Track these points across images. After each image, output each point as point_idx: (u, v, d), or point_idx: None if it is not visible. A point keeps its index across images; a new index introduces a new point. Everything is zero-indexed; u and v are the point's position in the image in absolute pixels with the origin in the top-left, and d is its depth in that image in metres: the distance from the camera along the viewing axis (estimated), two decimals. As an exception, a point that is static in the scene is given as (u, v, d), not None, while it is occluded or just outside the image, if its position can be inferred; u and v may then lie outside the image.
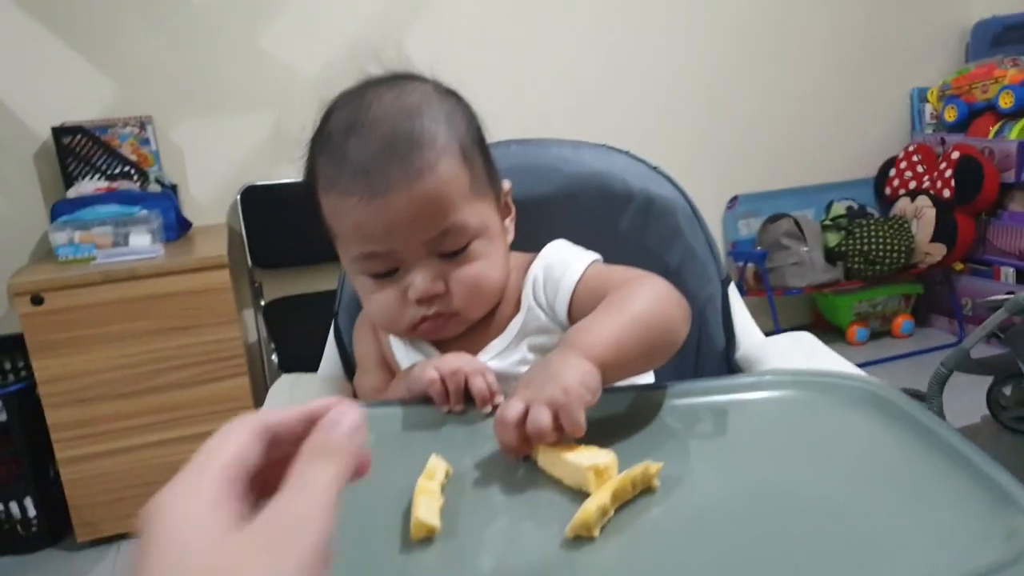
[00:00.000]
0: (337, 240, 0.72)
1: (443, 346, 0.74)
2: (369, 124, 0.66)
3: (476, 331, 0.74)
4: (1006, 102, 2.46)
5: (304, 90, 2.21)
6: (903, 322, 2.73)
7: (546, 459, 0.55)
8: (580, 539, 0.48)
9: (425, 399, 0.66)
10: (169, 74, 2.10)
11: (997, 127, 2.52)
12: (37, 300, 1.62)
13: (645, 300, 0.65)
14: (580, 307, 0.70)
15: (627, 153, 0.92)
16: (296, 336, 1.97)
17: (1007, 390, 2.04)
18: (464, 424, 0.64)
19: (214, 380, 1.76)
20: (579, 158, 0.90)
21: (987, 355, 1.98)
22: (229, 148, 2.19)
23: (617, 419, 0.63)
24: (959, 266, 2.64)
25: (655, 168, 0.91)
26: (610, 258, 0.76)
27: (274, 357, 1.94)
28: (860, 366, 2.34)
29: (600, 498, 0.49)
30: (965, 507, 0.48)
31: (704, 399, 0.65)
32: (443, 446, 0.59)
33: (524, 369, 0.71)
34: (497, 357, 0.73)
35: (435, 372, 0.64)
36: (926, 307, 2.83)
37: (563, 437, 0.54)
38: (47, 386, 1.67)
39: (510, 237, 0.77)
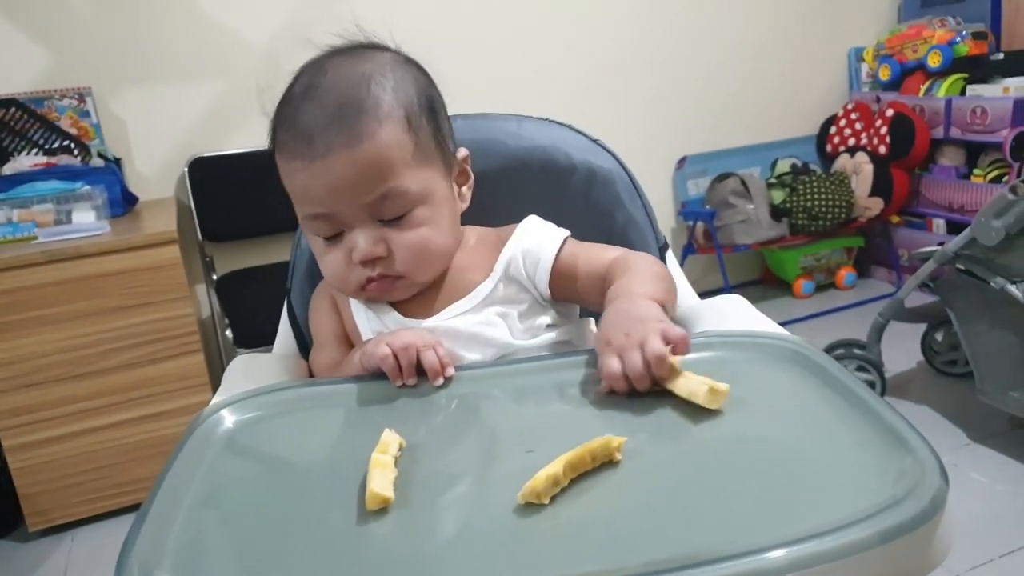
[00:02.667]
0: (292, 201, 0.75)
1: (403, 306, 0.77)
2: (323, 90, 0.70)
3: (439, 292, 0.77)
4: (934, 61, 2.55)
5: (251, 58, 2.17)
6: (846, 274, 2.83)
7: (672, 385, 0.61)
8: (532, 506, 0.50)
9: (379, 374, 0.68)
10: (108, 42, 2.03)
11: (927, 85, 2.60)
12: (-24, 283, 1.58)
13: (647, 261, 0.76)
14: (560, 278, 0.77)
15: (568, 126, 0.94)
16: (250, 309, 1.97)
17: (939, 336, 2.15)
18: (417, 397, 0.66)
19: (167, 358, 1.74)
20: (522, 132, 0.92)
21: (920, 304, 2.08)
22: (175, 119, 2.14)
23: (569, 388, 0.66)
24: (896, 219, 2.74)
25: (595, 141, 0.94)
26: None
27: (228, 332, 1.94)
28: (807, 318, 2.42)
29: (552, 468, 0.52)
30: (868, 450, 0.53)
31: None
32: (397, 420, 0.62)
33: (483, 329, 0.74)
34: (458, 316, 0.75)
35: (387, 348, 0.66)
36: (867, 259, 2.93)
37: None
38: (-8, 372, 1.63)
39: (465, 204, 0.80)
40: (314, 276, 0.87)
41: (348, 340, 0.81)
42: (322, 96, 0.69)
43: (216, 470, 0.57)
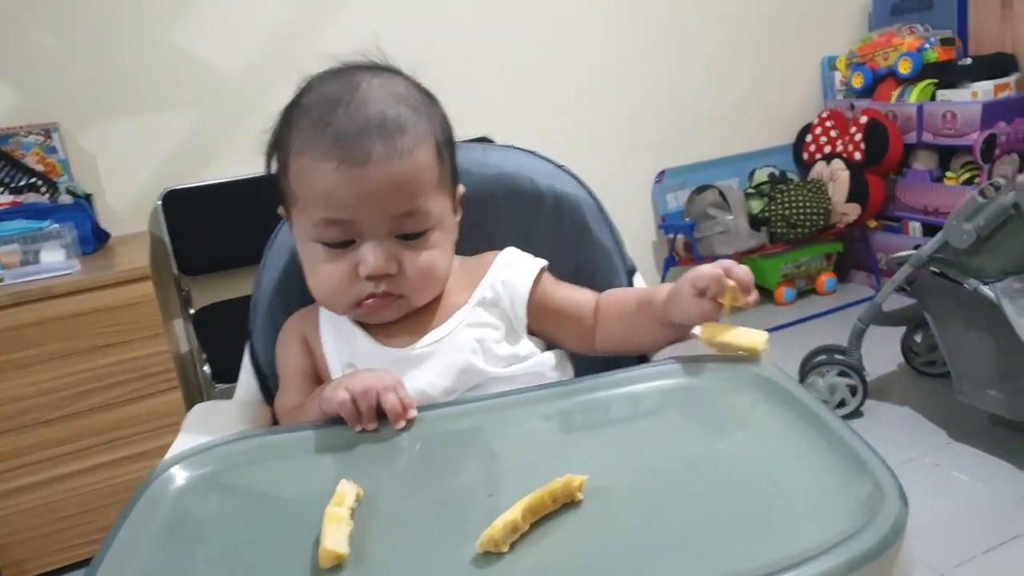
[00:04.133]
0: (296, 205, 0.73)
1: (379, 333, 0.76)
2: (358, 101, 0.70)
3: (419, 317, 0.77)
4: (905, 68, 2.57)
5: (224, 87, 2.15)
6: (826, 280, 2.84)
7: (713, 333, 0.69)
8: (491, 555, 0.49)
9: (339, 419, 0.67)
10: (75, 76, 2.01)
11: (899, 91, 2.63)
12: (-60, 329, 1.55)
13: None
14: (536, 308, 0.79)
15: (534, 152, 0.94)
16: (228, 343, 1.93)
17: (918, 338, 2.16)
18: (378, 442, 0.65)
19: (145, 397, 1.71)
20: (487, 159, 0.91)
21: (899, 307, 2.09)
22: (146, 151, 2.11)
23: (532, 422, 0.65)
24: (873, 224, 2.76)
25: (561, 166, 0.93)
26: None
27: (207, 368, 1.91)
28: (789, 325, 2.42)
29: (510, 514, 0.50)
30: (832, 475, 0.53)
31: (613, 392, 0.68)
32: (357, 467, 0.60)
33: (458, 357, 0.74)
34: (434, 344, 0.75)
35: (345, 393, 0.65)
36: (847, 264, 2.94)
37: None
38: (-38, 420, 1.59)
39: (455, 236, 0.80)
40: (276, 318, 0.85)
41: (317, 379, 0.79)
42: (362, 106, 0.69)
43: (167, 529, 0.55)
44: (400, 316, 0.75)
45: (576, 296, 0.81)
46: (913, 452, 1.81)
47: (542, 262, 0.81)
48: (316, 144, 0.69)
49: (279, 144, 0.74)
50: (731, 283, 0.68)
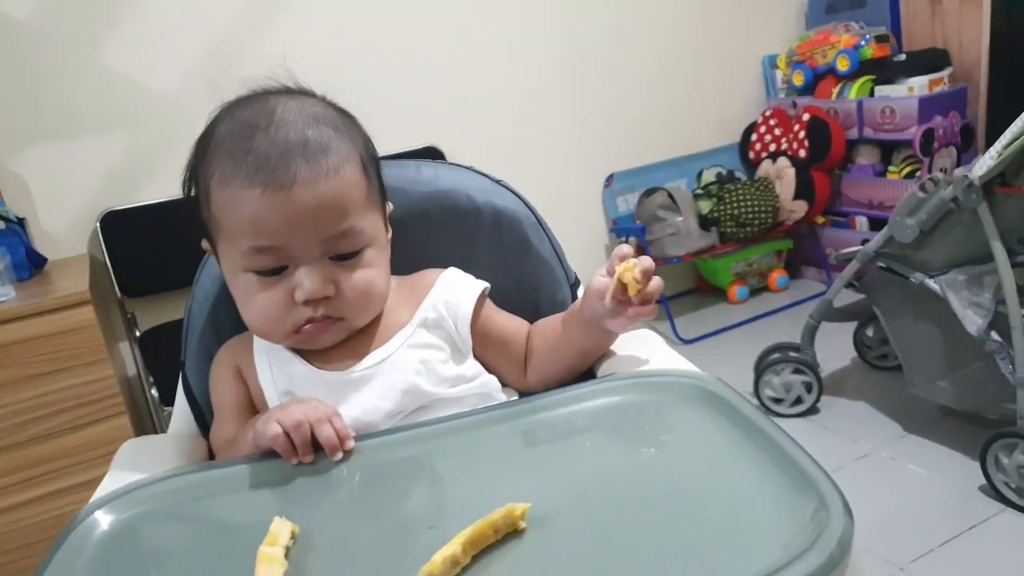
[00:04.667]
0: (222, 237, 0.71)
1: (317, 357, 0.74)
2: (276, 124, 0.68)
3: (358, 339, 0.75)
4: (843, 65, 2.62)
5: (157, 107, 2.10)
6: (778, 277, 2.88)
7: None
8: (431, 591, 0.48)
9: (275, 452, 0.65)
10: (2, 99, 1.95)
11: (838, 88, 2.68)
12: None
13: None
14: (479, 327, 0.78)
15: (470, 168, 0.92)
16: (176, 365, 1.89)
17: (870, 332, 2.20)
18: (315, 475, 0.63)
19: (90, 424, 1.66)
20: (421, 177, 0.89)
21: (850, 302, 2.12)
22: (81, 173, 2.05)
23: (474, 447, 0.64)
24: (821, 220, 2.80)
25: (499, 181, 0.92)
26: (471, 273, 0.83)
27: (154, 391, 1.86)
28: (743, 324, 2.43)
29: (449, 548, 0.49)
30: (778, 492, 0.53)
31: (556, 412, 0.67)
32: (293, 502, 0.58)
33: (401, 377, 0.72)
34: (376, 366, 0.73)
35: (278, 427, 0.63)
36: (797, 260, 2.99)
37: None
38: (-103, 455, 1.53)
39: (388, 253, 0.78)
40: (209, 346, 0.83)
41: (252, 410, 0.77)
42: (280, 130, 0.67)
43: (92, 579, 0.53)
44: (340, 339, 0.74)
45: (513, 325, 0.81)
46: (869, 446, 1.83)
47: (483, 284, 0.81)
48: (237, 172, 0.67)
49: (196, 176, 0.72)
50: (628, 258, 0.69)
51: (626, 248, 0.70)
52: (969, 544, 1.48)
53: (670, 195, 2.63)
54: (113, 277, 2.06)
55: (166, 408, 1.82)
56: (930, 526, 1.54)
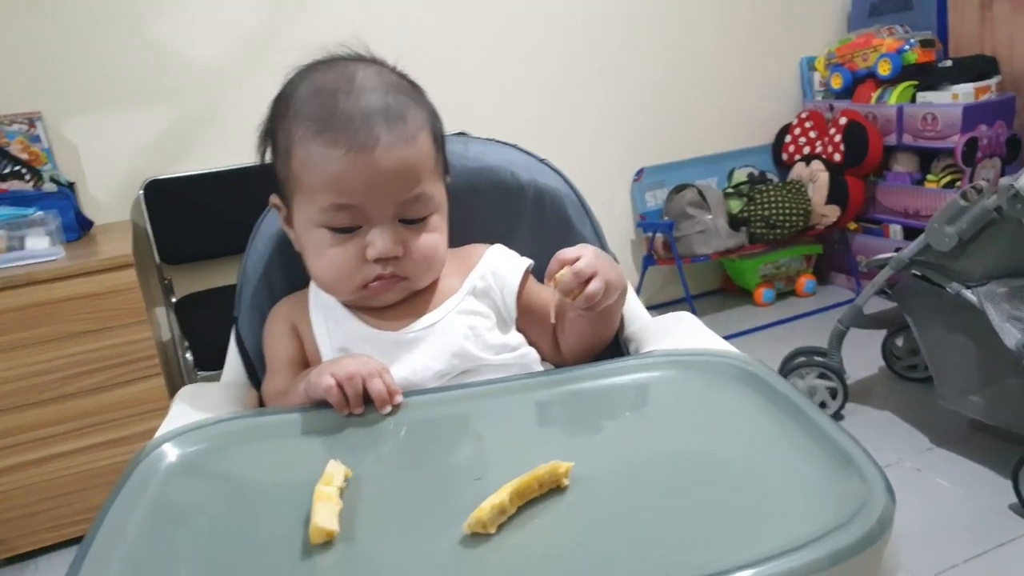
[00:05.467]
0: (300, 192, 0.74)
1: (373, 316, 0.77)
2: (357, 90, 0.71)
3: (411, 302, 0.78)
4: (884, 69, 2.59)
5: (204, 79, 2.14)
6: (806, 282, 2.86)
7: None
8: (478, 536, 0.50)
9: (326, 403, 0.68)
10: (57, 67, 2.00)
11: (878, 93, 2.64)
12: (-74, 313, 1.54)
13: None
14: (523, 301, 0.81)
15: (514, 146, 0.95)
16: (210, 331, 1.94)
17: (899, 341, 2.16)
18: (365, 426, 0.66)
19: (127, 383, 1.71)
20: (468, 152, 0.92)
21: (880, 310, 2.10)
22: (128, 142, 2.11)
23: (518, 410, 0.66)
24: (853, 226, 2.78)
25: (542, 160, 0.94)
26: (512, 249, 0.85)
27: (188, 355, 1.91)
28: (768, 327, 2.40)
29: (497, 496, 0.52)
30: (816, 469, 0.54)
31: (597, 383, 0.69)
32: (344, 450, 0.61)
33: (451, 340, 0.76)
34: (427, 328, 0.76)
35: (332, 379, 0.66)
36: (826, 266, 2.97)
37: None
38: (-54, 402, 1.59)
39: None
40: (261, 303, 0.86)
41: (304, 365, 0.80)
42: (362, 95, 0.71)
43: (158, 505, 0.56)
44: (400, 298, 0.78)
45: (549, 297, 0.82)
46: (894, 456, 1.80)
47: (529, 261, 0.84)
48: (321, 132, 0.70)
49: (275, 134, 0.75)
50: (553, 277, 0.69)
51: (554, 265, 0.70)
52: (996, 563, 1.44)
53: (700, 192, 2.62)
54: (153, 243, 2.11)
55: (200, 372, 1.87)
56: (955, 541, 1.50)
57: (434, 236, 0.76)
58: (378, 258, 0.72)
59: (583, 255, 0.69)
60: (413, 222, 0.74)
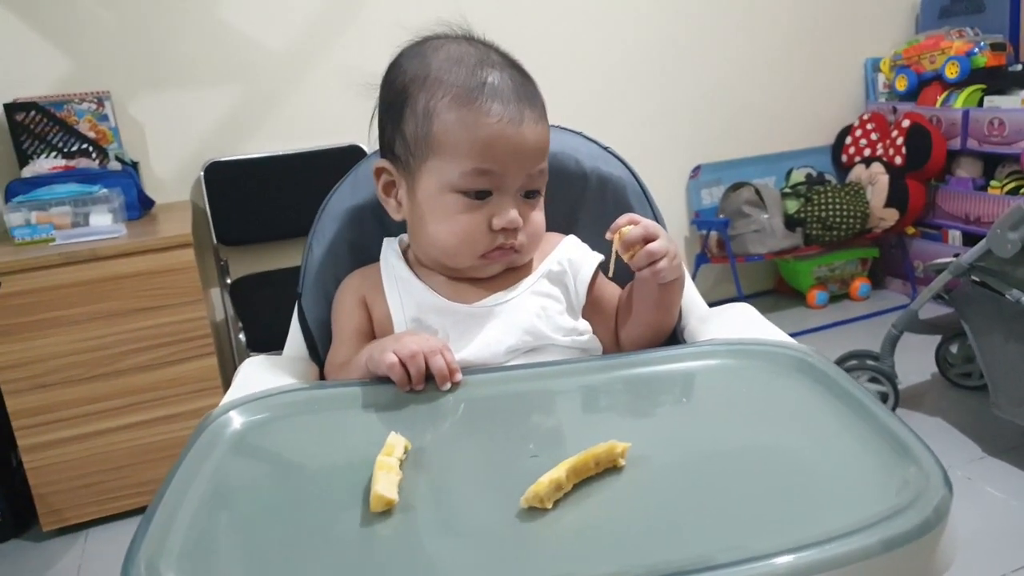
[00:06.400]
0: (437, 156, 0.75)
1: (449, 290, 0.79)
2: (499, 65, 0.76)
3: (488, 279, 0.80)
4: (952, 72, 2.53)
5: (267, 64, 2.18)
6: (860, 285, 2.81)
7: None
8: (535, 510, 0.51)
9: (386, 378, 0.69)
10: (126, 48, 2.06)
11: (944, 96, 2.58)
12: (-6, 284, 1.60)
13: None
14: (593, 293, 0.83)
15: (580, 133, 0.95)
16: (263, 313, 1.98)
17: (954, 348, 2.12)
18: (424, 401, 0.67)
19: (181, 361, 1.75)
20: None
21: (935, 316, 2.06)
22: (191, 123, 2.16)
23: (575, 391, 0.67)
24: (911, 230, 2.72)
25: (606, 148, 0.94)
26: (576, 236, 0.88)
27: (241, 336, 1.95)
28: (820, 329, 2.37)
29: (555, 472, 0.52)
30: (872, 458, 0.54)
31: (656, 368, 0.70)
32: (403, 423, 0.62)
33: (525, 317, 0.77)
34: (501, 305, 0.78)
35: (394, 356, 0.67)
36: (882, 270, 2.91)
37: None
38: (7, 372, 1.63)
39: None
40: (325, 279, 0.87)
41: (371, 337, 0.81)
42: (504, 71, 0.75)
43: (224, 470, 0.58)
44: (501, 270, 0.80)
45: (616, 295, 0.86)
46: (944, 464, 1.78)
47: (601, 256, 0.85)
48: (474, 99, 0.73)
49: (409, 98, 0.76)
50: (618, 230, 0.73)
51: (620, 220, 0.74)
52: (1046, 575, 1.42)
53: (757, 191, 2.59)
54: (211, 224, 2.16)
55: (252, 353, 1.90)
56: (1005, 551, 1.48)
57: (541, 214, 0.80)
58: (504, 227, 0.75)
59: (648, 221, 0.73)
60: (531, 196, 0.78)
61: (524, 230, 0.77)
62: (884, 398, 1.94)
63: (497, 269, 0.80)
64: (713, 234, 2.67)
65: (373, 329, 0.81)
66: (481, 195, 0.75)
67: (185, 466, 0.57)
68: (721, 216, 2.66)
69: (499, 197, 0.75)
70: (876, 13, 2.86)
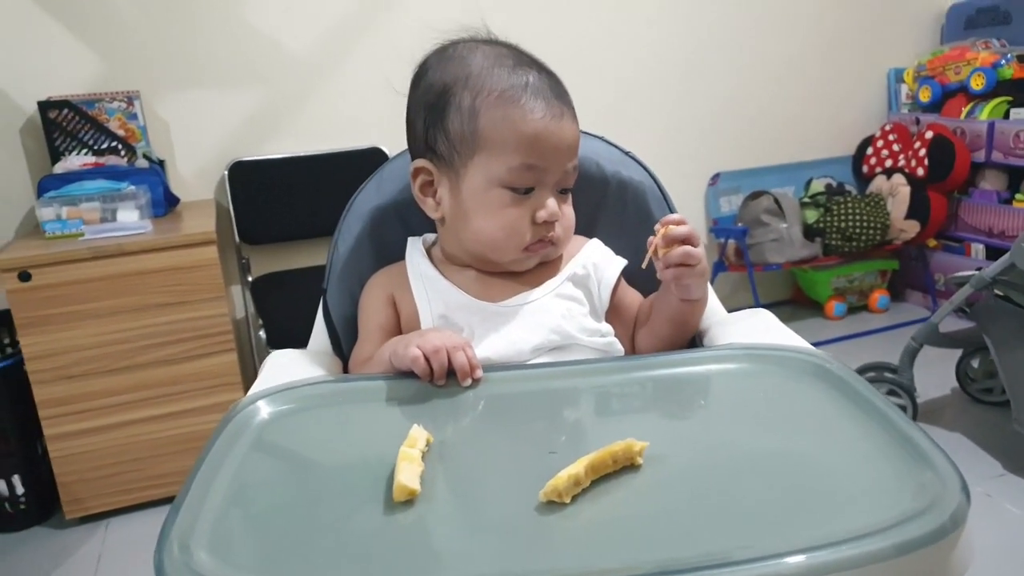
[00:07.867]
0: (484, 151, 0.76)
1: (477, 288, 0.81)
2: (537, 66, 0.79)
3: (513, 279, 0.82)
4: (977, 84, 2.51)
5: (291, 66, 2.22)
6: (879, 297, 2.79)
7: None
8: (553, 504, 0.52)
9: (409, 372, 0.70)
10: (156, 48, 2.10)
11: (969, 108, 2.56)
12: (24, 276, 1.62)
13: None
14: (615, 297, 0.85)
15: (601, 138, 0.96)
16: (283, 312, 2.01)
17: (975, 363, 2.10)
18: (446, 396, 0.68)
19: (202, 356, 1.78)
20: None
21: (956, 329, 2.04)
22: (216, 123, 2.19)
23: (594, 391, 0.68)
24: (932, 243, 2.70)
25: (627, 153, 0.95)
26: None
27: (262, 333, 1.98)
28: (838, 340, 2.35)
29: (574, 468, 0.53)
30: (888, 462, 0.54)
31: (675, 370, 0.71)
32: (426, 417, 0.63)
33: (550, 317, 0.79)
34: (526, 304, 0.80)
35: (418, 351, 0.68)
36: (902, 282, 2.89)
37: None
38: (34, 363, 1.67)
39: None
40: (350, 277, 0.89)
41: (396, 334, 0.82)
42: (541, 72, 0.78)
43: (251, 458, 0.59)
44: (535, 265, 0.82)
45: (637, 301, 0.87)
46: (963, 478, 1.77)
47: (624, 261, 0.87)
48: (520, 96, 0.76)
49: (453, 97, 0.77)
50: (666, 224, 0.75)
51: (670, 216, 0.76)
52: (1065, 593, 1.40)
53: (776, 200, 2.58)
54: (234, 223, 2.19)
55: (272, 350, 1.92)
56: (1022, 571, 1.46)
57: (571, 209, 0.83)
58: (547, 220, 0.78)
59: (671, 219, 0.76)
60: (564, 192, 0.81)
61: (560, 224, 0.80)
62: (902, 411, 1.91)
63: (535, 262, 0.82)
64: (731, 242, 2.67)
65: (399, 326, 0.83)
66: (527, 190, 0.78)
67: (214, 453, 0.58)
68: (739, 224, 2.66)
69: (540, 191, 0.78)
70: (900, 23, 2.85)
